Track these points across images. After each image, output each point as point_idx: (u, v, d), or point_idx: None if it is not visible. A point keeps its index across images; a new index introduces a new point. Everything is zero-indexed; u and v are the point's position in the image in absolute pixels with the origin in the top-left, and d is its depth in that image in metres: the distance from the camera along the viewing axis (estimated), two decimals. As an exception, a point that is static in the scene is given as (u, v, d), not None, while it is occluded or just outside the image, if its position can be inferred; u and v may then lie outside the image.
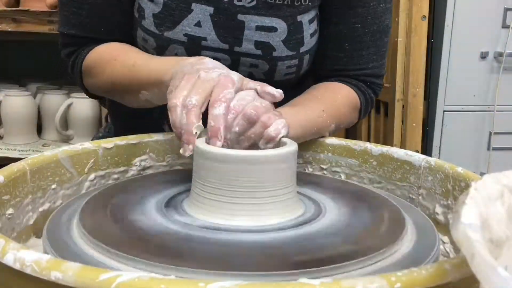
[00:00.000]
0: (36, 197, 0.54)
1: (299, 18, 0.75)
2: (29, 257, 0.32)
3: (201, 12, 0.72)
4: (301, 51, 0.76)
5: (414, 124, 1.61)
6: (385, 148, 0.65)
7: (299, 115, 0.67)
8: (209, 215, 0.49)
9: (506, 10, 1.65)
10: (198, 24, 0.72)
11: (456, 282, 0.32)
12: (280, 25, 0.73)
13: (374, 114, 1.81)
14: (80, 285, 0.30)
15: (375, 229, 0.48)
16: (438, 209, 0.57)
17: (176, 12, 0.72)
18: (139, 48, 0.77)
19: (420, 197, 0.61)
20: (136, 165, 0.66)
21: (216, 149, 0.50)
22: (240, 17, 0.73)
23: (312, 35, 0.77)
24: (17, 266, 0.32)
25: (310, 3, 0.75)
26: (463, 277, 0.32)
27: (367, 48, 0.79)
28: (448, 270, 0.32)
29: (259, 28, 0.73)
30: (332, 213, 0.52)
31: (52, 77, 2.05)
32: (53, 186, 0.56)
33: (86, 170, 0.61)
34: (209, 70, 0.56)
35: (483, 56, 1.68)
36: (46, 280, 0.31)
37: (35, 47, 2.03)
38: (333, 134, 0.78)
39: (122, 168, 0.65)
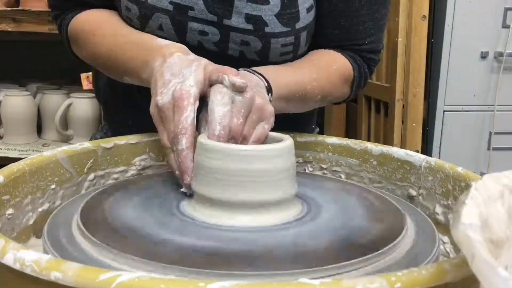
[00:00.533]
0: (35, 197, 0.54)
1: None
2: (29, 257, 0.32)
3: None
4: (297, 27, 0.71)
5: (414, 124, 1.61)
6: (385, 148, 0.65)
7: (287, 76, 0.67)
8: (209, 214, 0.49)
9: (506, 10, 1.65)
10: None
11: (456, 282, 0.32)
12: None
13: (374, 114, 1.81)
14: (80, 285, 0.30)
15: (375, 229, 0.48)
16: (438, 209, 0.57)
17: None
18: (123, 18, 0.74)
19: (420, 197, 0.61)
20: (135, 165, 0.66)
21: (215, 143, 0.50)
22: None
23: (308, 10, 0.72)
24: (17, 266, 0.32)
25: None
26: (463, 277, 0.32)
27: (364, 23, 0.76)
28: (448, 270, 0.32)
29: (250, 0, 0.69)
30: (332, 213, 0.51)
31: (52, 77, 2.05)
32: (53, 186, 0.56)
33: (85, 170, 0.61)
34: (165, 87, 0.56)
35: (483, 56, 1.68)
36: (46, 280, 0.31)
37: (35, 47, 2.03)
38: (320, 105, 0.78)
39: (121, 168, 0.65)
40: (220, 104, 0.53)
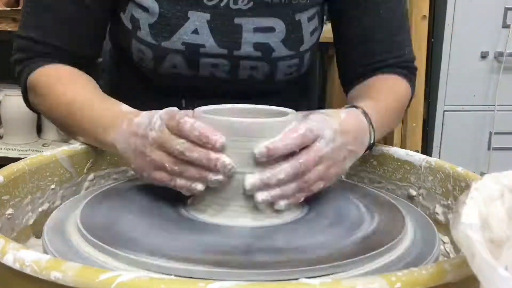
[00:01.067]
0: (35, 197, 0.54)
1: (297, 17, 0.74)
2: (29, 257, 0.32)
3: (197, 19, 0.71)
4: (301, 50, 0.75)
5: (414, 124, 1.61)
6: (386, 148, 0.65)
7: (380, 113, 0.64)
8: (210, 211, 0.49)
9: (506, 10, 1.65)
10: (195, 32, 0.71)
11: (456, 282, 0.32)
12: (278, 24, 0.73)
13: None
14: (80, 285, 0.30)
15: (375, 229, 0.48)
16: (438, 209, 0.57)
17: (172, 21, 0.70)
18: (135, 60, 0.74)
19: (420, 197, 0.60)
20: (136, 165, 0.66)
21: (218, 117, 0.49)
22: (237, 20, 0.72)
23: (312, 33, 0.76)
24: (16, 266, 0.32)
25: (308, 1, 0.74)
26: (463, 277, 0.32)
27: (399, 34, 0.77)
28: (448, 270, 0.32)
29: (257, 29, 0.72)
30: (331, 213, 0.51)
31: (52, 77, 2.04)
32: (52, 186, 0.56)
33: (85, 170, 0.61)
34: (149, 146, 0.52)
35: (483, 56, 1.68)
36: (46, 280, 0.31)
37: (35, 47, 2.03)
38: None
39: (121, 168, 0.65)
40: None
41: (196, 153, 0.48)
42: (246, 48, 0.73)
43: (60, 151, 0.58)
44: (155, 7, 0.70)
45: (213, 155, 0.47)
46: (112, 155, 0.64)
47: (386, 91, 0.72)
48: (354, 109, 0.59)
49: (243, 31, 0.72)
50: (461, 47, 1.66)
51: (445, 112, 1.71)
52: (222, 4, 0.71)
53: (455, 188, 0.55)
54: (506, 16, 1.65)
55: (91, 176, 0.61)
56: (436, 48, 1.68)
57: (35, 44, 0.70)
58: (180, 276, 0.38)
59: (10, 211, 0.49)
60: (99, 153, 0.62)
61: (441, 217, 0.57)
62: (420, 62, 1.57)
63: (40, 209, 0.54)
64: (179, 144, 0.48)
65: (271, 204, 0.48)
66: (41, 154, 0.55)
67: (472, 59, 1.68)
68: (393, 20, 0.76)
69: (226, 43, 0.72)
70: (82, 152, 0.60)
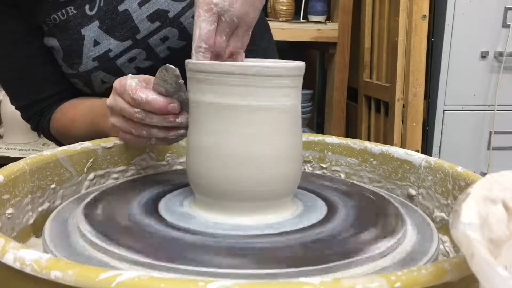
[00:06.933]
0: (35, 197, 0.54)
1: None
2: (29, 256, 0.32)
3: (91, 31, 0.75)
4: None
5: (414, 124, 1.61)
6: (385, 148, 0.65)
7: None
8: (211, 212, 0.49)
9: (506, 9, 1.65)
10: (96, 43, 0.75)
11: (456, 281, 0.32)
12: None
13: (374, 114, 1.81)
14: (80, 284, 0.30)
15: (374, 228, 0.48)
16: (438, 209, 0.57)
17: (73, 47, 0.75)
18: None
19: (419, 197, 0.61)
20: (135, 165, 0.66)
21: (211, 62, 0.49)
22: (121, 7, 0.75)
23: None
24: (17, 266, 0.32)
25: None
26: (463, 277, 0.32)
27: None
28: (448, 270, 0.32)
29: (141, 3, 0.75)
30: (331, 212, 0.52)
31: (52, 76, 2.04)
32: (52, 186, 0.56)
33: (85, 169, 0.61)
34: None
35: (484, 55, 1.68)
36: (46, 280, 0.31)
37: (35, 47, 2.03)
38: None
39: (121, 168, 0.65)
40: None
41: (155, 118, 0.55)
42: (144, 25, 0.75)
43: (60, 150, 0.58)
44: (55, 43, 0.76)
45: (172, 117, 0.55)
46: (112, 154, 0.64)
47: None
48: None
49: (131, 13, 0.75)
50: (461, 47, 1.66)
51: (445, 112, 1.71)
52: (101, 4, 0.75)
53: (454, 188, 0.55)
54: (506, 16, 1.65)
55: (91, 175, 0.62)
56: (436, 48, 1.67)
57: (30, 107, 0.85)
58: (180, 276, 0.38)
59: (10, 210, 0.49)
60: (99, 152, 0.62)
61: (440, 217, 0.57)
62: (420, 62, 1.57)
63: (40, 209, 0.55)
64: (137, 113, 0.55)
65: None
66: (41, 154, 0.55)
67: (472, 59, 1.68)
68: None
69: (125, 34, 0.75)
70: (82, 152, 0.60)
